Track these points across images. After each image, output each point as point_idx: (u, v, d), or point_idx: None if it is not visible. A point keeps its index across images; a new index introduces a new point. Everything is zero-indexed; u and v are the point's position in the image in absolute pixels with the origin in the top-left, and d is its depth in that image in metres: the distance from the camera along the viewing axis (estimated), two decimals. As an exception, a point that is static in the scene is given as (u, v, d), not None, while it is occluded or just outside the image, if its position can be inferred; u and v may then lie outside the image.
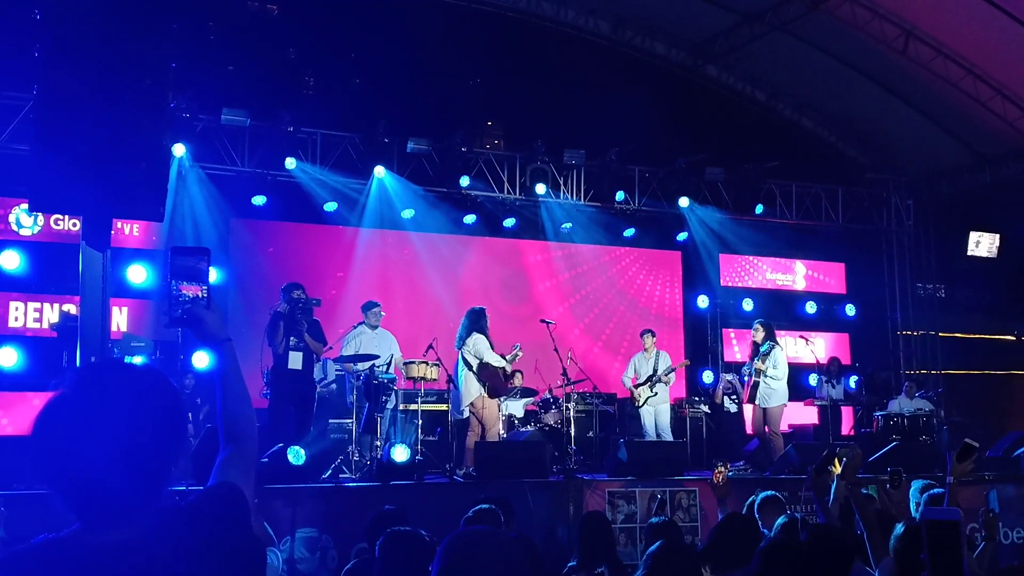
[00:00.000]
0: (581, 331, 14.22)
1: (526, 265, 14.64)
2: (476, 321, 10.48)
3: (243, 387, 2.30)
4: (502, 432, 10.70)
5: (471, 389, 10.45)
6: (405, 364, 11.19)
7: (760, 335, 11.40)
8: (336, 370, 11.01)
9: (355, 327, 10.76)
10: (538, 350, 11.40)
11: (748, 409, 11.74)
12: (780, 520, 4.95)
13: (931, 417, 12.70)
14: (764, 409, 11.17)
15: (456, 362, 10.63)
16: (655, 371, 11.81)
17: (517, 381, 11.55)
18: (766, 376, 11.23)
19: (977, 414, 14.29)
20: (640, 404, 11.85)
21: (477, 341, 10.37)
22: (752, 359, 11.39)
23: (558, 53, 14.16)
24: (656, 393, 11.80)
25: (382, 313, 10.73)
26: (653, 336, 12.24)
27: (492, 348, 10.41)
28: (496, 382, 10.34)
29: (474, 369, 10.34)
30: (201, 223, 12.03)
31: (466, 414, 10.62)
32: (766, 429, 11.16)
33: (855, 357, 14.72)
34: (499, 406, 10.59)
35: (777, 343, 11.59)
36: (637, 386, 11.87)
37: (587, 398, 12.19)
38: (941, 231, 15.99)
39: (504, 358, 10.50)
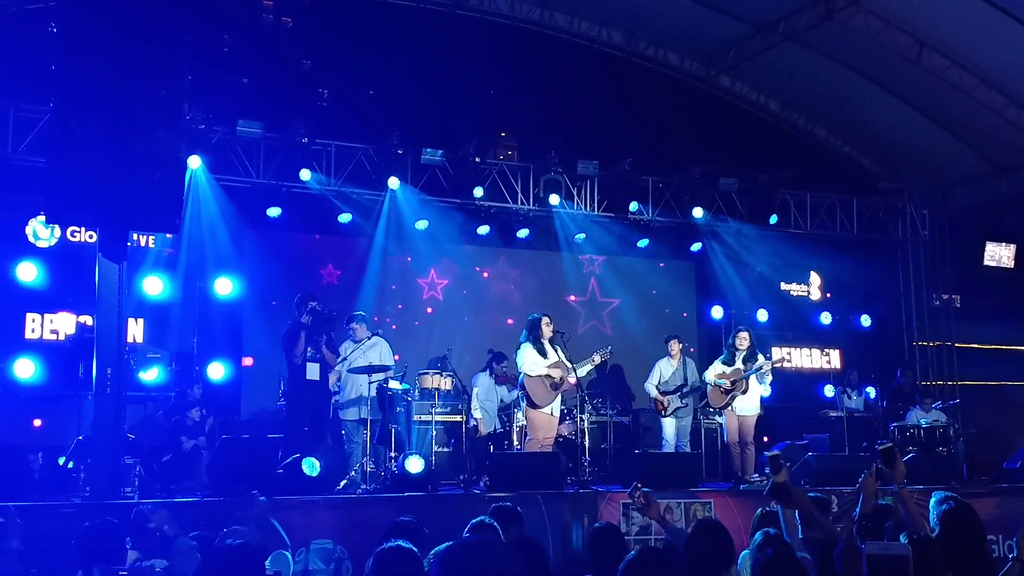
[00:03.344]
0: (594, 342, 14.19)
1: (539, 276, 14.64)
2: (529, 331, 10.31)
3: None
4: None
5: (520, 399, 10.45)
6: (419, 375, 11.20)
7: (747, 343, 11.20)
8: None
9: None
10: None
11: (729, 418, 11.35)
12: (756, 538, 4.82)
13: (947, 428, 12.61)
14: (742, 417, 11.04)
15: None
16: (686, 381, 11.70)
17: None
18: (763, 376, 11.10)
19: (993, 425, 14.18)
20: (667, 413, 11.71)
21: (522, 351, 10.25)
22: (746, 361, 11.10)
23: (571, 64, 14.16)
24: (686, 404, 11.69)
25: (356, 326, 10.49)
26: (680, 342, 12.13)
27: (546, 356, 10.15)
28: (535, 393, 10.07)
29: (522, 379, 10.26)
30: (216, 235, 12.08)
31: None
32: (748, 439, 11.03)
33: (870, 368, 14.63)
34: (546, 415, 10.16)
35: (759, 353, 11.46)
36: (665, 394, 11.74)
37: (601, 409, 12.15)
38: (957, 241, 15.91)
39: (570, 363, 10.14)
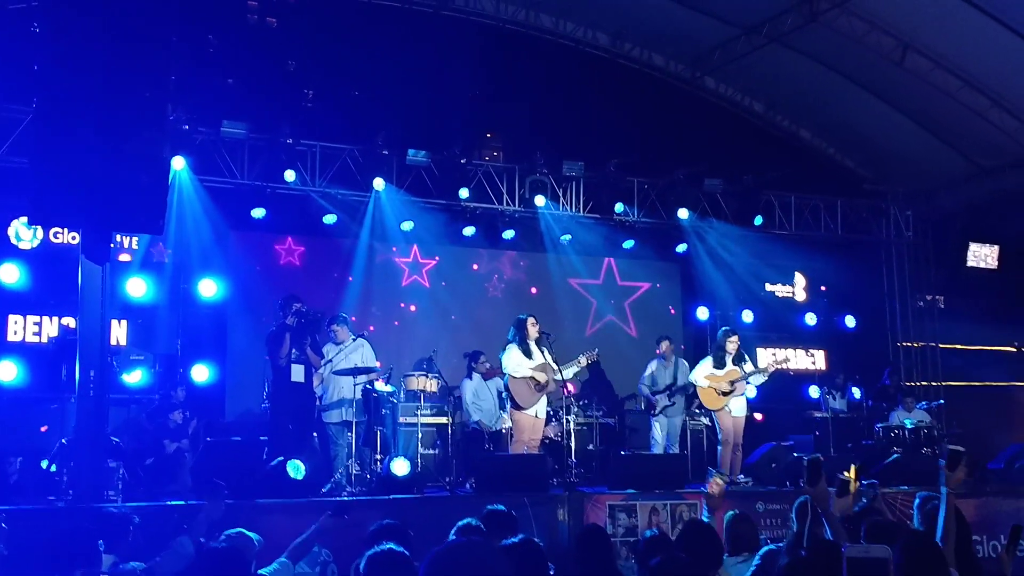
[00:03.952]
0: (581, 343, 14.17)
1: (525, 277, 14.64)
2: (514, 333, 10.32)
3: None
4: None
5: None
6: (404, 377, 11.17)
7: (736, 347, 11.24)
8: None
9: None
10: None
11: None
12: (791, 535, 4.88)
13: (932, 429, 12.66)
14: (735, 418, 11.07)
15: None
16: (675, 380, 11.72)
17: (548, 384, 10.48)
18: (759, 376, 11.18)
19: (978, 426, 14.23)
20: (656, 412, 11.74)
21: (507, 352, 10.24)
22: (735, 363, 11.13)
23: (557, 65, 14.16)
24: (674, 403, 11.71)
25: (337, 328, 10.52)
26: (671, 342, 12.14)
27: (531, 356, 10.16)
28: (519, 395, 10.10)
29: (506, 380, 10.24)
30: (201, 236, 12.02)
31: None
32: (739, 440, 11.07)
33: (855, 369, 14.69)
34: (531, 417, 10.20)
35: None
36: (655, 394, 11.75)
37: (588, 411, 12.15)
38: (940, 242, 15.97)
39: (556, 365, 10.19)
